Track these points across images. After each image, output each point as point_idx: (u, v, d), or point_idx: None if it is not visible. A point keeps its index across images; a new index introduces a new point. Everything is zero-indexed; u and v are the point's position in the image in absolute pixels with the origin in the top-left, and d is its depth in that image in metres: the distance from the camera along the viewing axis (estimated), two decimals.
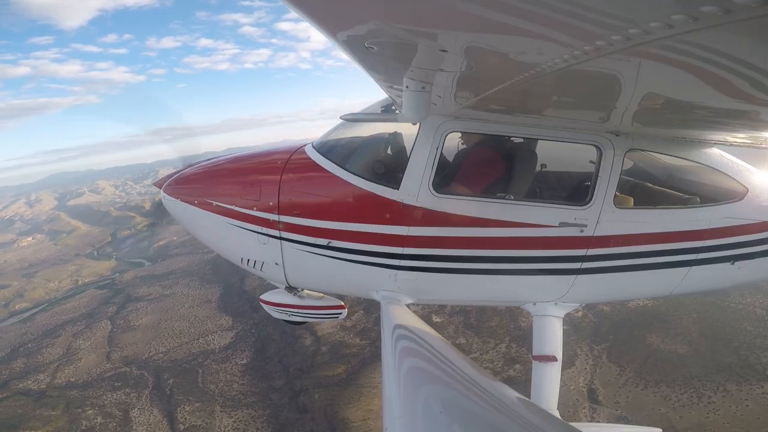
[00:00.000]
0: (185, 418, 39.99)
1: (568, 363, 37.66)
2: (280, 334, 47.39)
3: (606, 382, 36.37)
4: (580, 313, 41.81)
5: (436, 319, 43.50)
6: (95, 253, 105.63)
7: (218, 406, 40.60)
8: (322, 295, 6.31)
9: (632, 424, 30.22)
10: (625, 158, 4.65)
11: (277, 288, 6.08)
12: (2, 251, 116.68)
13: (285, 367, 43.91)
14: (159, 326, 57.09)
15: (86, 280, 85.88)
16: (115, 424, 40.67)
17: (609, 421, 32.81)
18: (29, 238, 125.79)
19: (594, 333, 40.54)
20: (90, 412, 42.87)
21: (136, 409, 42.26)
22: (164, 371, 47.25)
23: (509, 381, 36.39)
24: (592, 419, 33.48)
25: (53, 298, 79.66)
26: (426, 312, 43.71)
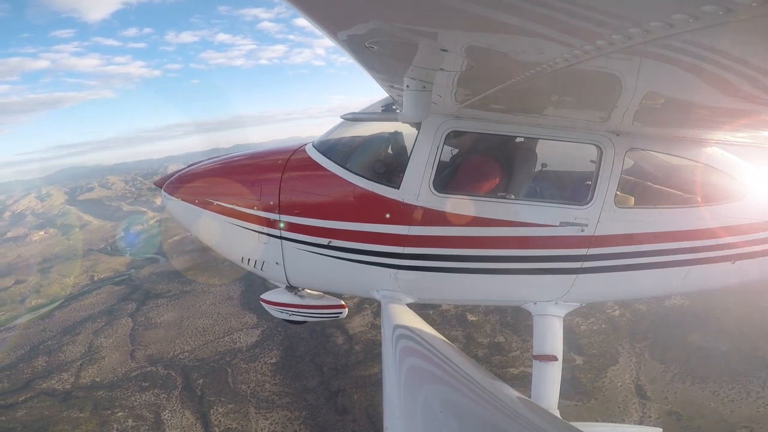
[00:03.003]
0: (219, 421, 37.96)
1: (611, 361, 36.86)
2: (309, 333, 45.28)
3: (652, 378, 35.20)
4: (617, 312, 40.71)
5: (471, 318, 41.62)
6: (108, 248, 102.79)
7: (252, 407, 38.60)
8: (322, 294, 6.13)
9: (682, 420, 29.09)
10: (626, 157, 4.51)
11: (278, 287, 5.92)
12: (15, 245, 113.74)
13: (318, 367, 41.87)
14: (182, 324, 54.88)
15: (102, 276, 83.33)
16: (147, 428, 38.62)
17: (660, 417, 32.43)
18: (41, 232, 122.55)
19: (633, 331, 39.11)
20: (120, 414, 40.74)
21: (167, 411, 40.16)
22: (192, 371, 45.13)
23: None
24: (644, 414, 32.69)
25: (70, 293, 77.13)
26: (460, 311, 41.92)
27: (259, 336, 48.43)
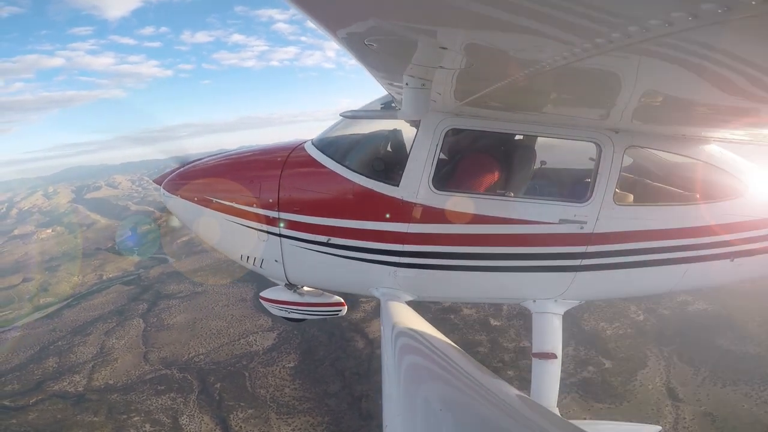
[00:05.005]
0: (240, 426, 36.35)
1: (640, 364, 35.90)
2: (327, 336, 43.77)
3: (683, 381, 34.35)
4: (641, 317, 39.58)
5: (494, 322, 40.17)
6: (116, 247, 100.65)
7: (273, 412, 37.02)
8: (321, 292, 6.08)
9: (717, 421, 28.53)
10: (625, 155, 4.48)
11: (277, 285, 5.87)
12: (22, 243, 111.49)
13: (339, 371, 40.30)
14: (195, 326, 53.18)
15: (110, 275, 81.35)
16: None
17: (694, 418, 31.83)
18: (49, 230, 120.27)
19: (659, 336, 38.12)
20: (136, 418, 39.06)
21: (185, 415, 38.49)
22: (209, 374, 43.49)
23: (584, 383, 34.38)
24: (678, 416, 31.98)
25: (78, 292, 75.11)
26: (483, 315, 40.60)
27: (275, 339, 46.78)
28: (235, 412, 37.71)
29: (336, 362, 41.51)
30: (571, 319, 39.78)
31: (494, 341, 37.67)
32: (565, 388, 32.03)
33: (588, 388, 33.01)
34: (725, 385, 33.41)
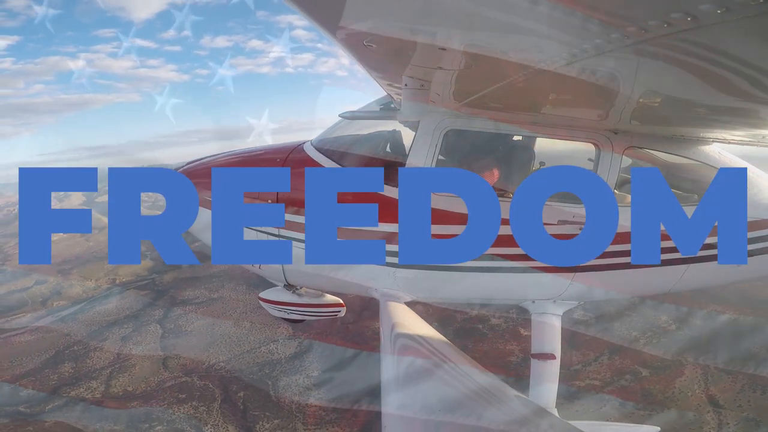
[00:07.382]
0: None
1: (677, 373, 35.03)
2: (351, 346, 42.38)
3: (722, 388, 33.55)
4: (673, 326, 38.59)
5: (524, 332, 38.84)
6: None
7: (300, 423, 35.75)
8: (320, 293, 6.24)
9: (761, 426, 28.26)
10: (624, 156, 4.55)
11: (276, 286, 6.04)
12: None
13: (365, 381, 38.81)
14: (213, 332, 51.81)
15: (124, 280, 79.72)
16: None
17: (738, 424, 31.18)
18: (60, 233, 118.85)
19: (693, 345, 37.33)
20: (159, 428, 37.68)
21: (209, 425, 37.12)
22: (231, 383, 42.11)
23: (624, 391, 33.38)
24: (721, 422, 31.28)
25: (92, 296, 73.60)
26: (512, 326, 39.45)
27: (296, 347, 45.49)
28: (261, 423, 36.42)
29: (362, 372, 40.12)
30: (601, 326, 38.52)
31: (526, 351, 36.37)
32: (604, 395, 31.05)
33: (628, 396, 32.05)
34: (765, 391, 32.78)
